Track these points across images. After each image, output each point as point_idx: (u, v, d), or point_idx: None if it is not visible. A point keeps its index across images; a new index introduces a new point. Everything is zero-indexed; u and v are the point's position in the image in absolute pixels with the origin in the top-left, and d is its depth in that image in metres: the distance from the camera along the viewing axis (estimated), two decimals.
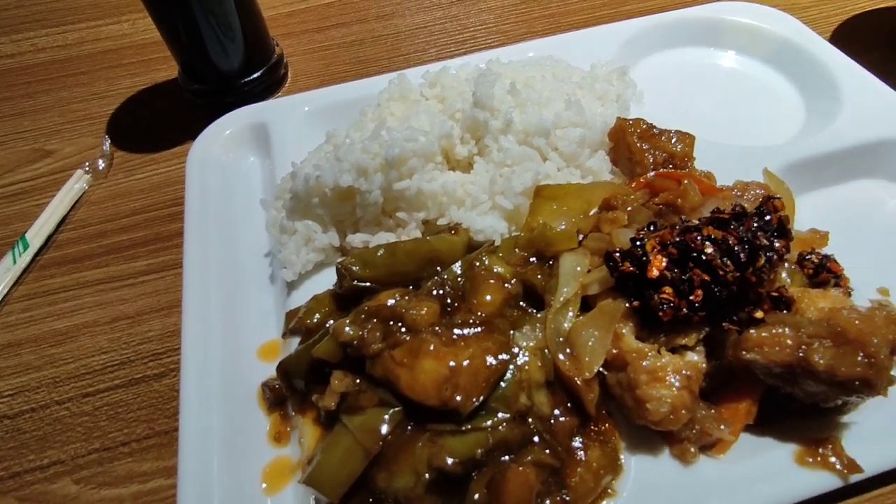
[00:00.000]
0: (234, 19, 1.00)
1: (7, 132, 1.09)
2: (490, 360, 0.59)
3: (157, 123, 1.09)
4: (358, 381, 0.61)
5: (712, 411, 0.60)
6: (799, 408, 0.59)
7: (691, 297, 0.57)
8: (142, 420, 0.71)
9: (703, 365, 0.59)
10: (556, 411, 0.60)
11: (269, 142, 0.95)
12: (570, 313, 0.63)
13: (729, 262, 0.56)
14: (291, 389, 0.65)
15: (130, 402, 0.73)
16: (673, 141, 0.77)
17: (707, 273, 0.56)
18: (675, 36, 1.10)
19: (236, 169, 0.95)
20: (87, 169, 1.00)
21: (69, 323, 0.81)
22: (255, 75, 1.07)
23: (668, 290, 0.57)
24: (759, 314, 0.59)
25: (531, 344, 0.62)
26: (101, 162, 1.01)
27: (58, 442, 0.70)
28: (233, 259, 0.82)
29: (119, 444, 0.70)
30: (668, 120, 0.82)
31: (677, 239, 0.58)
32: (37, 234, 0.90)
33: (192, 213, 0.86)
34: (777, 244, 0.59)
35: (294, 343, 0.72)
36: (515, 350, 0.61)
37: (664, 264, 0.58)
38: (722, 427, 0.58)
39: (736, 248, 0.56)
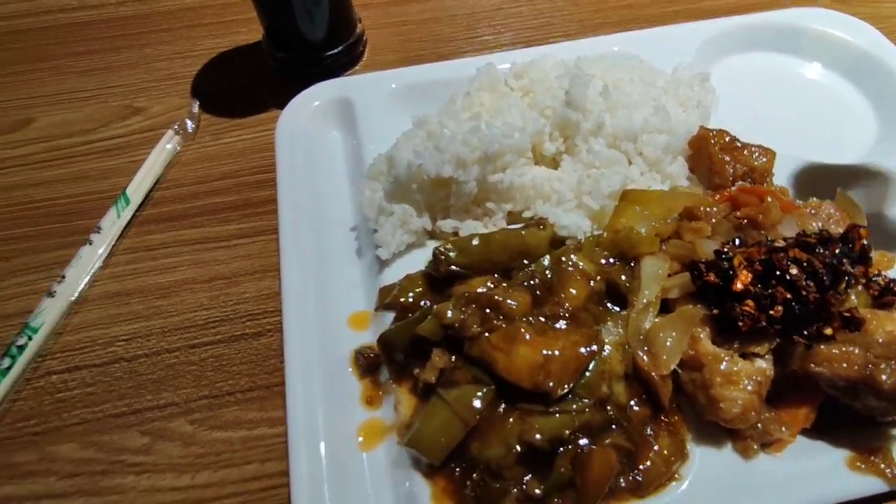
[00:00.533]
0: None
1: (98, 86, 1.14)
2: (579, 350, 0.65)
3: (241, 88, 1.13)
4: (454, 359, 0.68)
5: (773, 414, 0.66)
6: (855, 418, 0.65)
7: (771, 312, 0.62)
8: (244, 374, 0.79)
9: (771, 372, 0.65)
10: (632, 402, 0.66)
11: (355, 118, 0.99)
12: (651, 314, 0.69)
13: (812, 284, 0.61)
14: (390, 360, 0.72)
15: (232, 357, 0.80)
16: (755, 155, 0.81)
17: (789, 291, 0.62)
18: (753, 39, 1.10)
19: (321, 142, 0.99)
20: (177, 129, 1.05)
21: (171, 278, 0.88)
22: (339, 49, 1.10)
23: (750, 303, 0.63)
24: (828, 331, 0.64)
25: (613, 339, 0.68)
26: (189, 123, 1.06)
27: (171, 386, 0.78)
28: (323, 230, 0.88)
29: (225, 393, 0.77)
30: (742, 126, 0.85)
31: (764, 258, 0.63)
32: (136, 191, 0.96)
33: (284, 182, 0.91)
34: (856, 270, 0.63)
35: (384, 316, 0.78)
36: (599, 345, 0.67)
37: (749, 280, 0.63)
38: (783, 429, 0.64)
39: (821, 272, 0.60)
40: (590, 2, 1.27)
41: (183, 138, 1.05)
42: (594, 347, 0.66)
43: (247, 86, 1.13)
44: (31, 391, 0.78)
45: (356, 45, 1.13)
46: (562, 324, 0.67)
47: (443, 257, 0.73)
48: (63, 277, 0.86)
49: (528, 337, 0.65)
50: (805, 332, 0.64)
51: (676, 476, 0.64)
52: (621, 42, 1.04)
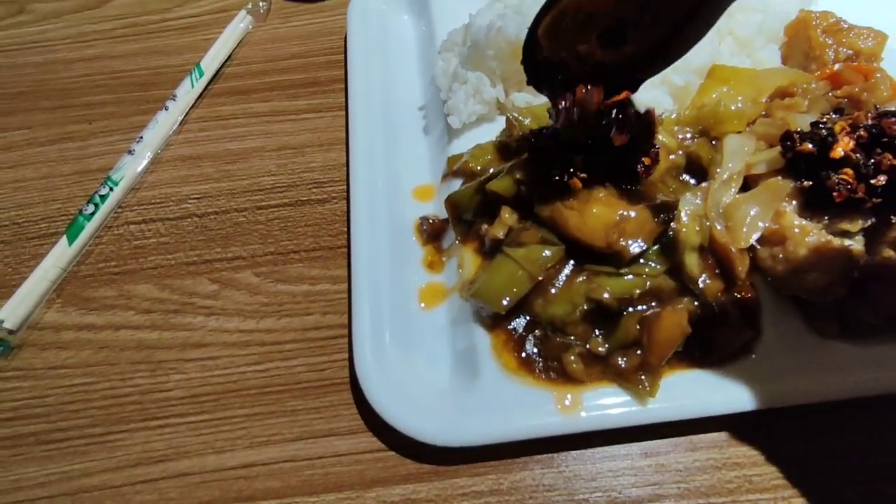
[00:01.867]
0: None
1: None
2: (656, 215, 0.63)
3: None
4: (522, 221, 0.66)
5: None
6: None
7: (872, 182, 0.58)
8: (308, 235, 0.80)
9: (861, 253, 0.61)
10: (705, 274, 0.64)
11: (427, 1, 0.96)
12: (733, 189, 0.65)
13: None
14: (457, 220, 0.71)
15: (298, 219, 0.82)
16: (862, 37, 0.74)
17: None
18: None
19: (392, 25, 0.98)
20: (249, 10, 1.05)
21: (240, 146, 0.90)
22: None
23: (849, 171, 0.59)
24: None
25: (691, 210, 0.65)
26: (262, 4, 1.06)
27: (238, 241, 0.80)
28: (391, 107, 0.87)
29: (290, 251, 0.79)
30: (853, 16, 0.78)
31: (872, 122, 0.58)
32: (209, 64, 0.97)
33: (354, 59, 0.91)
34: None
35: (449, 186, 0.77)
36: (675, 214, 0.64)
37: (851, 146, 0.59)
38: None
39: None
40: None
41: (255, 19, 1.05)
42: (671, 214, 0.63)
43: None
44: (112, 237, 0.82)
45: None
46: (639, 188, 0.64)
47: (516, 123, 0.71)
48: (141, 138, 0.89)
49: (603, 196, 0.63)
50: None
51: (747, 349, 0.62)
52: None
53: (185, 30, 1.05)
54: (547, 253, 0.64)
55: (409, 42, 0.96)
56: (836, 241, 0.60)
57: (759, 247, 0.64)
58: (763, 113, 0.71)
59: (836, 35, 0.75)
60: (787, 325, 0.63)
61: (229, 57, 1.00)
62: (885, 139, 0.57)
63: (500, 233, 0.65)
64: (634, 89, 0.61)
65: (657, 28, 0.57)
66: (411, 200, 0.80)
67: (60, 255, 0.78)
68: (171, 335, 0.73)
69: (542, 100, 0.77)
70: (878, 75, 0.67)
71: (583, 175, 0.62)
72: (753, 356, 0.62)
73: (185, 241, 0.81)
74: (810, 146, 0.61)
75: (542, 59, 0.60)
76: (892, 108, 0.60)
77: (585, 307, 0.61)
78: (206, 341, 0.73)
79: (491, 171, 0.72)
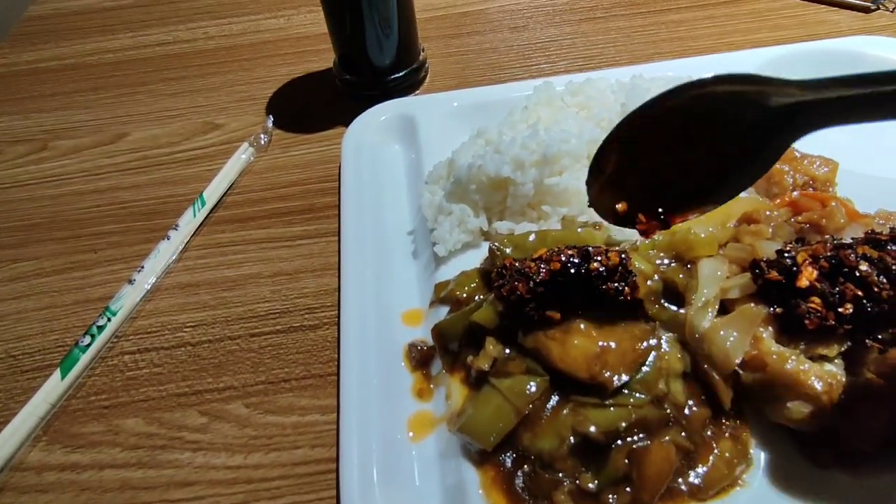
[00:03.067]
0: (394, 19, 1.11)
1: (186, 106, 1.25)
2: (637, 344, 0.64)
3: (311, 108, 1.22)
4: (507, 350, 0.68)
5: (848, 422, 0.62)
6: None
7: (840, 310, 0.60)
8: (299, 363, 0.81)
9: (843, 377, 0.62)
10: (691, 402, 0.64)
11: (417, 133, 1.04)
12: (710, 314, 0.68)
13: (885, 280, 0.59)
14: (444, 350, 0.73)
15: (289, 346, 0.83)
16: (815, 165, 0.80)
17: (859, 288, 0.59)
18: (812, 68, 1.10)
19: (383, 155, 1.05)
20: (251, 142, 1.14)
21: (237, 273, 0.94)
22: (402, 73, 1.18)
23: (816, 300, 0.61)
24: None
25: (671, 336, 0.67)
26: (263, 137, 1.15)
27: (230, 371, 0.81)
28: (381, 232, 0.92)
29: (281, 380, 0.80)
30: (799, 144, 0.84)
31: (830, 254, 0.61)
32: (211, 194, 1.04)
33: (347, 186, 0.97)
34: None
35: (437, 312, 0.80)
36: (657, 340, 0.66)
37: (815, 276, 0.61)
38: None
39: (894, 268, 0.58)
40: (642, 35, 1.32)
41: (256, 150, 1.13)
42: (653, 342, 0.65)
43: (315, 106, 1.22)
44: (105, 368, 0.83)
45: (419, 71, 1.21)
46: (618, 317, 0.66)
47: (498, 252, 0.75)
48: (142, 268, 0.93)
49: (583, 328, 0.65)
50: (879, 336, 0.62)
51: (740, 482, 0.61)
52: (676, 68, 1.07)
53: (191, 161, 1.13)
54: (532, 384, 0.64)
55: (399, 171, 1.03)
56: (816, 367, 0.61)
57: (741, 371, 0.65)
58: (733, 236, 0.75)
59: (792, 163, 0.81)
60: (780, 454, 0.63)
61: (231, 186, 1.07)
62: (846, 269, 0.60)
63: (485, 364, 0.66)
64: (667, 227, 0.61)
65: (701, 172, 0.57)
66: (400, 325, 0.82)
67: (51, 389, 0.79)
68: (156, 473, 0.72)
69: (523, 228, 0.82)
70: (834, 203, 0.71)
71: (558, 307, 0.65)
72: (747, 488, 0.60)
73: (178, 371, 0.82)
74: (778, 275, 0.64)
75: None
76: (847, 241, 0.63)
77: (573, 440, 0.61)
78: (191, 479, 0.71)
79: (477, 298, 0.75)
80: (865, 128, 0.99)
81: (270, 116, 1.19)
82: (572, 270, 0.64)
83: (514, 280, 0.65)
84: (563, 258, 0.65)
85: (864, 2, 1.29)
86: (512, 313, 0.66)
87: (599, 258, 0.66)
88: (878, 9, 1.28)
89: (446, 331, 0.72)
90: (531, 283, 0.65)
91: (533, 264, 0.67)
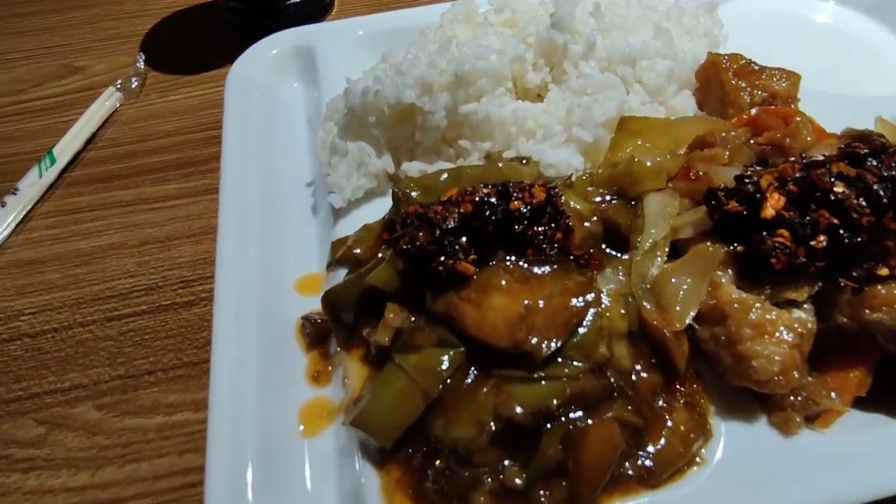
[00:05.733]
0: None
1: (35, 47, 1.03)
2: (569, 301, 0.51)
3: (194, 45, 1.02)
4: (414, 318, 0.54)
5: (819, 378, 0.52)
6: None
7: (812, 244, 0.49)
8: (169, 349, 0.66)
9: (813, 325, 0.52)
10: (638, 366, 0.53)
11: (316, 67, 0.87)
12: (659, 258, 0.55)
13: (864, 204, 0.47)
14: (337, 323, 0.58)
15: (157, 330, 0.67)
16: (775, 78, 0.68)
17: (835, 215, 0.48)
18: None
19: (279, 94, 0.88)
20: (119, 87, 0.93)
21: (95, 243, 0.76)
22: None
23: (784, 233, 0.49)
24: (883, 271, 0.50)
25: (613, 288, 0.54)
26: (134, 80, 0.95)
27: (80, 365, 0.65)
28: (273, 186, 0.75)
29: (144, 372, 0.64)
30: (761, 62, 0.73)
31: (799, 175, 0.50)
32: (64, 150, 0.84)
33: (230, 134, 0.79)
34: None
35: (339, 276, 0.65)
36: (596, 294, 0.53)
37: (782, 204, 0.50)
38: (832, 396, 0.50)
39: (875, 187, 0.47)
40: None
41: (125, 96, 0.93)
42: (589, 297, 0.52)
43: (200, 43, 1.02)
44: None
45: None
46: (550, 268, 0.53)
47: (403, 197, 0.60)
48: None
49: (504, 284, 0.51)
50: (854, 274, 0.51)
51: (698, 459, 0.50)
52: None
53: (41, 112, 0.93)
54: (445, 359, 0.51)
55: (298, 113, 0.86)
56: (784, 315, 0.50)
57: (697, 326, 0.53)
58: (684, 165, 0.63)
59: (749, 78, 0.69)
60: (743, 422, 0.52)
61: (91, 139, 0.87)
62: (818, 193, 0.49)
63: (384, 338, 0.53)
64: None
65: None
66: (294, 295, 0.67)
67: None
68: None
69: (436, 166, 0.67)
70: (798, 119, 0.59)
71: (473, 257, 0.51)
72: (707, 466, 0.50)
73: (9, 370, 0.65)
74: (738, 205, 0.52)
75: None
76: (820, 157, 0.51)
77: (494, 426, 0.48)
78: None
79: (380, 257, 0.60)
80: (827, 42, 0.91)
81: (141, 55, 0.98)
82: (488, 212, 0.50)
83: (415, 229, 0.51)
84: (477, 198, 0.51)
85: None
86: (415, 271, 0.52)
87: (521, 195, 0.52)
88: None
89: (338, 299, 0.58)
90: (436, 230, 0.50)
91: (440, 208, 0.52)
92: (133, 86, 0.94)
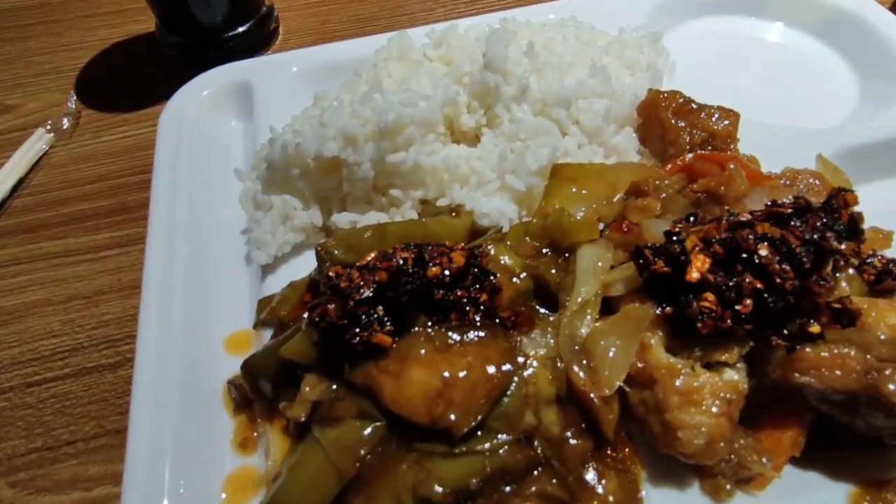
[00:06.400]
0: None
1: None
2: (491, 370, 0.49)
3: (132, 80, 0.98)
4: (335, 386, 0.52)
5: (750, 440, 0.50)
6: (856, 441, 0.49)
7: (738, 307, 0.47)
8: (91, 416, 0.63)
9: (745, 386, 0.50)
10: (567, 433, 0.51)
11: (252, 104, 0.84)
12: (589, 317, 0.53)
13: (788, 268, 0.46)
14: (257, 393, 0.56)
15: (80, 395, 0.64)
16: (714, 118, 0.67)
17: (760, 279, 0.47)
18: (713, 3, 0.98)
19: (215, 134, 0.85)
20: (50, 128, 0.90)
21: (17, 300, 0.72)
22: (241, 29, 0.96)
23: (710, 296, 0.48)
24: (815, 328, 0.49)
25: (541, 352, 0.52)
26: (65, 120, 0.91)
27: None
28: (204, 235, 0.72)
29: (64, 443, 0.61)
30: (704, 95, 0.72)
31: (725, 236, 0.48)
32: None
33: (160, 180, 0.76)
34: (844, 247, 0.49)
35: (267, 336, 0.62)
36: (522, 359, 0.52)
37: (707, 266, 0.48)
38: (763, 460, 0.49)
39: (799, 252, 0.46)
40: None
41: (56, 137, 0.89)
42: (515, 364, 0.50)
43: (138, 78, 0.99)
44: None
45: (263, 24, 0.99)
46: (473, 335, 0.51)
47: (326, 256, 0.58)
48: None
49: (423, 353, 0.49)
50: (785, 332, 0.49)
51: None
52: (559, 9, 0.90)
53: None
54: (365, 433, 0.49)
55: (236, 152, 0.83)
56: (713, 380, 0.49)
57: (628, 389, 0.51)
58: (620, 212, 0.61)
59: (688, 117, 0.67)
60: (675, 488, 0.50)
61: (17, 185, 0.84)
62: (744, 255, 0.47)
63: (301, 413, 0.50)
64: None
65: None
66: (223, 355, 0.64)
67: None
68: None
69: (369, 219, 0.65)
70: (733, 166, 0.58)
71: (389, 328, 0.49)
72: None
73: None
74: (665, 265, 0.50)
75: None
76: (746, 216, 0.50)
77: None
78: None
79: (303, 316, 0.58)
80: (776, 65, 0.90)
81: (73, 94, 0.94)
82: (403, 280, 0.48)
83: (326, 301, 0.48)
84: (393, 265, 0.49)
85: None
86: (330, 343, 0.50)
87: (440, 260, 0.50)
88: None
89: (256, 368, 0.55)
90: (350, 302, 0.48)
91: (357, 274, 0.50)
92: (65, 126, 0.90)
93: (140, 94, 0.95)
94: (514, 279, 0.56)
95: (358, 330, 0.48)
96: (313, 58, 0.89)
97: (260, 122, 0.82)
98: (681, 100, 0.68)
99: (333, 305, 0.48)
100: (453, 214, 0.62)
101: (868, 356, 0.46)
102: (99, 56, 1.03)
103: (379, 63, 0.75)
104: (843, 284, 0.55)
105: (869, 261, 0.56)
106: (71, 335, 0.69)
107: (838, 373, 0.46)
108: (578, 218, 0.58)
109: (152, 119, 0.91)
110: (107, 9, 1.12)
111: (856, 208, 0.60)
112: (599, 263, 0.56)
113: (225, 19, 0.94)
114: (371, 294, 0.48)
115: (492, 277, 0.53)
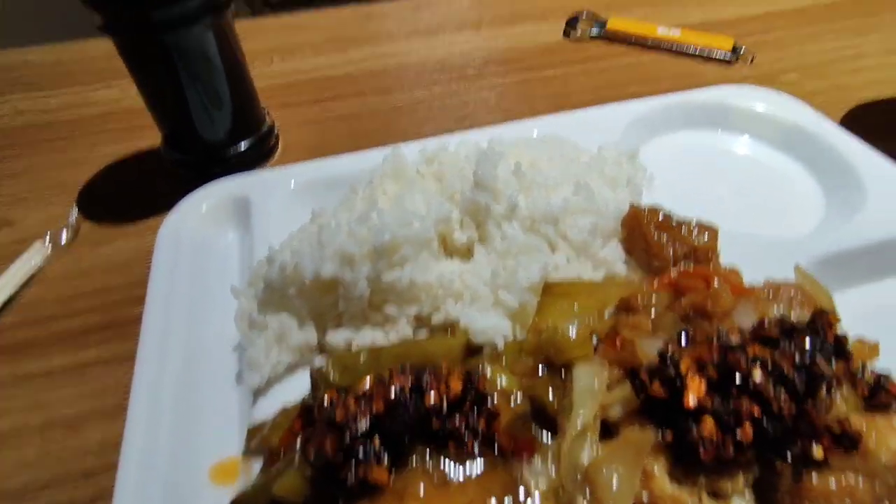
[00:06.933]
0: (223, 87, 0.95)
1: None
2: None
3: (134, 194, 1.02)
4: None
5: None
6: None
7: (738, 434, 0.47)
8: None
9: None
10: None
11: (250, 218, 0.87)
12: (589, 442, 0.52)
13: (784, 393, 0.46)
14: None
15: None
16: (695, 234, 0.70)
17: (757, 403, 0.47)
18: (682, 118, 1.06)
19: (213, 248, 0.86)
20: (48, 241, 0.91)
21: None
22: (243, 145, 1.01)
23: (709, 421, 0.47)
24: (818, 453, 0.48)
25: (542, 484, 0.50)
26: (64, 233, 0.92)
27: None
28: (198, 354, 0.71)
29: None
30: (683, 206, 0.76)
31: (718, 360, 0.49)
32: None
33: (155, 295, 0.76)
34: (834, 368, 0.49)
35: (257, 467, 0.60)
36: (523, 490, 0.50)
37: (704, 389, 0.48)
38: None
39: (791, 377, 0.46)
40: (517, 93, 1.24)
41: (54, 250, 0.90)
42: (513, 500, 0.48)
43: (141, 191, 1.02)
44: None
45: (265, 141, 1.05)
46: (474, 468, 0.50)
47: (321, 380, 0.57)
48: None
49: (423, 490, 0.47)
50: (788, 455, 0.48)
51: None
52: (542, 126, 0.97)
53: None
54: None
55: (234, 266, 0.84)
56: None
57: None
58: (613, 327, 0.62)
59: (670, 232, 0.70)
60: None
61: (10, 301, 0.83)
62: (739, 379, 0.48)
63: None
64: None
65: None
66: (208, 485, 0.61)
67: None
68: None
69: (364, 336, 0.65)
70: (717, 283, 0.60)
71: (386, 463, 0.47)
72: None
73: None
74: (661, 388, 0.50)
75: None
76: (735, 341, 0.51)
77: None
78: None
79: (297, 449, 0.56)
80: (747, 175, 0.96)
81: (76, 206, 0.97)
82: (400, 412, 0.47)
83: (321, 435, 0.47)
84: (391, 394, 0.48)
85: (724, 56, 1.29)
86: (324, 479, 0.48)
87: (438, 386, 0.49)
88: (738, 60, 1.29)
89: None
90: (346, 436, 0.47)
91: (353, 403, 0.49)
92: (63, 240, 0.92)
93: (142, 206, 0.98)
94: (512, 402, 0.56)
95: (354, 465, 0.46)
96: (311, 172, 0.93)
97: (257, 236, 0.84)
98: (661, 216, 0.72)
99: (329, 440, 0.46)
100: (448, 333, 0.62)
101: (875, 483, 0.45)
102: (103, 171, 1.07)
103: (375, 181, 0.78)
104: (839, 402, 0.55)
105: (860, 375, 0.56)
106: (47, 467, 0.65)
107: (849, 502, 0.45)
108: (572, 335, 0.59)
109: (153, 231, 0.93)
110: (115, 125, 1.18)
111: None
112: (596, 383, 0.56)
113: (228, 136, 0.99)
114: (368, 427, 0.47)
115: (489, 400, 0.53)
